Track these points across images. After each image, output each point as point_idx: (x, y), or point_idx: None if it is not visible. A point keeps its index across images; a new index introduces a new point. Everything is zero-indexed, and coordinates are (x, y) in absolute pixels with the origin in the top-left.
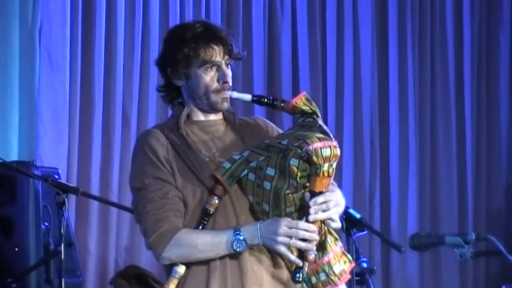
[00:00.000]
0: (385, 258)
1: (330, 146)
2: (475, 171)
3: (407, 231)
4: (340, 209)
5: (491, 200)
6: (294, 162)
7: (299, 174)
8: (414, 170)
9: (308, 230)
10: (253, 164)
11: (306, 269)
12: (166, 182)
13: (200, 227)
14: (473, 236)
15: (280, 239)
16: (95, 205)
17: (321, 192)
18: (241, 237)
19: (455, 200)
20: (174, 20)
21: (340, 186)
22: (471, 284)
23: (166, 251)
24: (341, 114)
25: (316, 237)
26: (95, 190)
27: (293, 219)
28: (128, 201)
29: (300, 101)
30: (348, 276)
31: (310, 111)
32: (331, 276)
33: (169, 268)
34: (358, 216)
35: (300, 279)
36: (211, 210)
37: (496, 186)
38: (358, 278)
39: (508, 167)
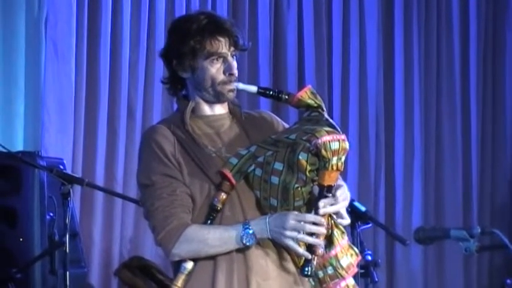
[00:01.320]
0: (390, 251)
1: (339, 140)
2: (480, 165)
3: (412, 224)
4: (347, 202)
5: (495, 194)
6: (303, 156)
7: (308, 168)
8: (419, 164)
9: (316, 222)
10: (260, 159)
11: (314, 262)
12: (174, 178)
13: (208, 223)
14: (479, 230)
15: (288, 233)
16: (99, 196)
17: (329, 186)
18: (251, 231)
19: (460, 193)
20: (180, 12)
21: (345, 179)
22: (475, 277)
23: (176, 248)
24: (346, 107)
25: (323, 230)
26: (99, 181)
27: (302, 213)
28: (132, 192)
29: (305, 95)
30: (356, 270)
31: (315, 105)
32: (338, 270)
33: (177, 264)
34: (363, 209)
35: (309, 273)
36: (219, 206)
37: (501, 180)
38: (362, 271)
39: None
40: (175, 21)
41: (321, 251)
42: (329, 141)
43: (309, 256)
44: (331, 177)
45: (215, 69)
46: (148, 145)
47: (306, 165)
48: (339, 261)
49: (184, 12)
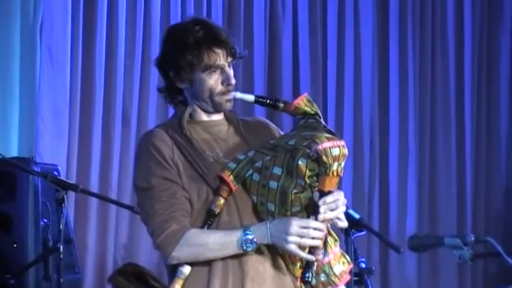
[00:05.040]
0: (384, 259)
1: (339, 146)
2: (475, 172)
3: (406, 232)
4: (344, 208)
5: (490, 201)
6: (302, 162)
7: (308, 173)
8: (413, 171)
9: (317, 228)
10: (258, 164)
11: (314, 267)
12: (174, 182)
13: (205, 228)
14: (473, 238)
15: (292, 238)
16: (94, 202)
17: (329, 192)
18: (251, 237)
19: (454, 201)
20: (175, 19)
21: (339, 186)
22: (469, 285)
23: (175, 251)
24: (341, 115)
25: (324, 236)
26: (94, 187)
27: (300, 218)
28: (127, 198)
29: (302, 102)
30: (348, 277)
31: (312, 112)
32: (331, 277)
33: (172, 268)
34: (357, 216)
35: (310, 279)
36: (217, 211)
37: (495, 187)
38: (356, 278)
39: (507, 169)
40: (170, 31)
41: (320, 256)
42: (330, 147)
43: (313, 259)
44: (331, 183)
45: (213, 81)
46: (146, 149)
47: (306, 170)
48: (331, 268)
49: (179, 19)
